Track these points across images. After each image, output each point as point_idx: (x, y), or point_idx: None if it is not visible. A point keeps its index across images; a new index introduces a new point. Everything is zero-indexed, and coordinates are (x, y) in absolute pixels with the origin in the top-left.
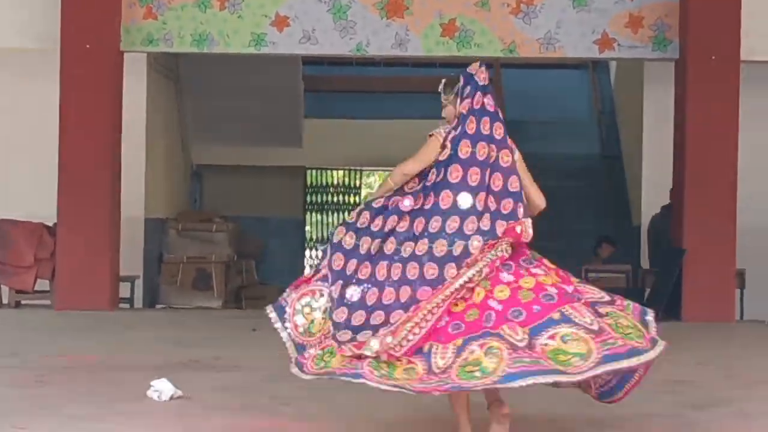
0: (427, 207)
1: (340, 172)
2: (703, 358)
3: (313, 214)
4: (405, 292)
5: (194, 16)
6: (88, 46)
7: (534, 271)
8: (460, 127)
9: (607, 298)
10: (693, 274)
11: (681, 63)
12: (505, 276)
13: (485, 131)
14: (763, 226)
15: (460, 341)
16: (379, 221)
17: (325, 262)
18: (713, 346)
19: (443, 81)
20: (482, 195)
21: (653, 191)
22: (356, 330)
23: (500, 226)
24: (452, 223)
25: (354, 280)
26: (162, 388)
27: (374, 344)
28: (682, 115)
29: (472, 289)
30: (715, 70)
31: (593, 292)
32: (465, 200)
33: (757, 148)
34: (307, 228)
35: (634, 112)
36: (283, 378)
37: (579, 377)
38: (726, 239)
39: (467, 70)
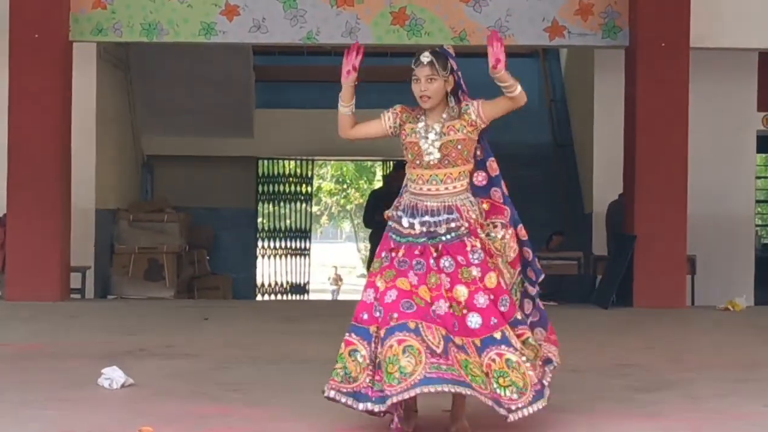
0: None
1: (292, 162)
2: (652, 343)
3: (266, 204)
4: None
5: (144, 5)
6: (36, 35)
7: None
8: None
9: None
10: (644, 261)
11: (631, 50)
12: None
13: None
14: (715, 212)
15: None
16: None
17: None
18: (663, 331)
19: (430, 52)
20: None
21: (604, 178)
22: None
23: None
24: None
25: None
26: (113, 376)
27: None
28: (632, 102)
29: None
30: (664, 57)
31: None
32: None
33: (707, 135)
34: (260, 219)
35: (585, 99)
36: (233, 365)
37: (512, 414)
38: (677, 225)
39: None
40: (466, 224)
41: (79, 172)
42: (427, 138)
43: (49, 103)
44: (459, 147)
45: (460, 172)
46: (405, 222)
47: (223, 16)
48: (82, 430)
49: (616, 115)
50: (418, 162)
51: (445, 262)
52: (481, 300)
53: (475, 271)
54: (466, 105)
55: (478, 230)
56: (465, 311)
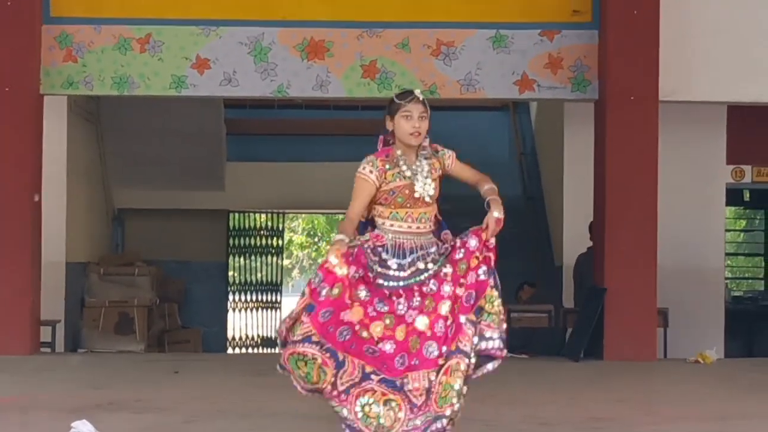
0: None
1: (263, 215)
2: (623, 396)
3: (237, 257)
4: None
5: (114, 58)
6: (7, 89)
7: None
8: None
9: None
10: (614, 313)
11: (600, 103)
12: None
13: None
14: (685, 264)
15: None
16: None
17: None
18: (633, 384)
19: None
20: None
21: (574, 231)
22: None
23: None
24: None
25: None
26: (83, 430)
27: None
28: (601, 155)
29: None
30: (634, 110)
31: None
32: None
33: (677, 187)
34: (231, 272)
35: (555, 152)
36: (203, 419)
37: None
38: (647, 278)
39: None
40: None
41: (49, 225)
42: (419, 177)
43: (19, 156)
44: (438, 188)
45: (435, 210)
46: (394, 264)
47: (193, 69)
48: None
49: (585, 168)
50: (410, 203)
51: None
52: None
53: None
54: (443, 151)
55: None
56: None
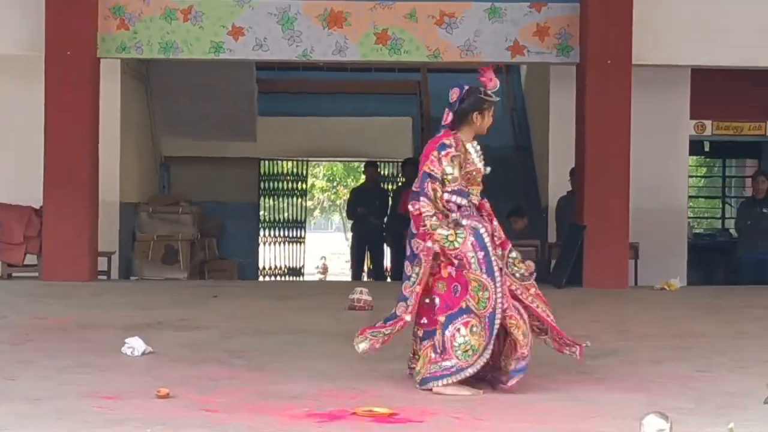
0: None
1: (290, 163)
2: (598, 317)
3: (266, 199)
4: None
5: (161, 26)
6: (69, 53)
7: None
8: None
9: None
10: (592, 247)
11: (581, 67)
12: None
13: None
14: (654, 205)
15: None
16: None
17: None
18: (607, 308)
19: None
20: None
21: (558, 176)
22: None
23: None
24: None
25: None
26: (135, 345)
27: None
28: (582, 111)
29: None
30: (610, 73)
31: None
32: None
33: (648, 139)
34: (261, 212)
35: (542, 109)
36: (238, 335)
37: None
38: (620, 217)
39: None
40: None
41: (105, 171)
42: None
43: (79, 112)
44: None
45: None
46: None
47: (230, 36)
48: (108, 392)
49: (568, 122)
50: (478, 180)
51: None
52: None
53: None
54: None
55: None
56: None
